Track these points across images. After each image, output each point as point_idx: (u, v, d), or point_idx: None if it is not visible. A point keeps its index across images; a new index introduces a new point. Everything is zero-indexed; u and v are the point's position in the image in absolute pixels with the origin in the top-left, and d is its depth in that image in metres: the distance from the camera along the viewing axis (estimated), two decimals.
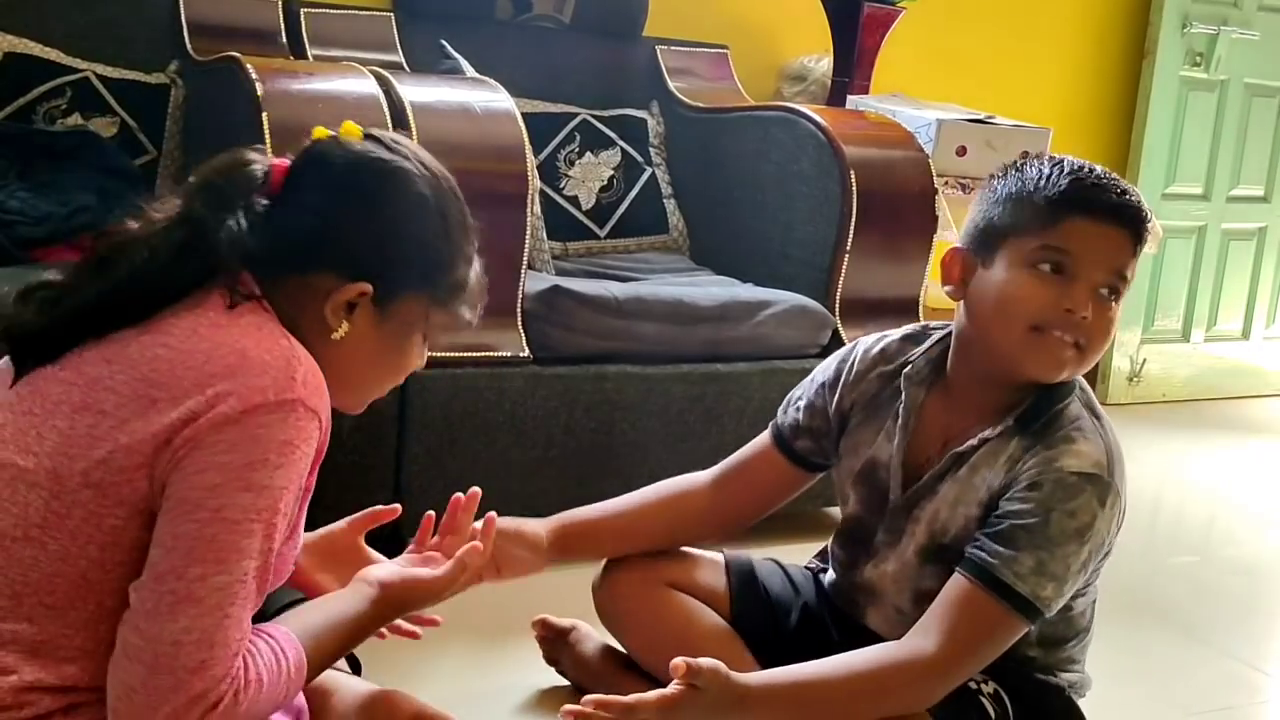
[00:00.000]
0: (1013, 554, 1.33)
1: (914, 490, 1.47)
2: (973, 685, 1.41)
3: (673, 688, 1.28)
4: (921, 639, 1.34)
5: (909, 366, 1.50)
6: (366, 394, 1.24)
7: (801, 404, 1.60)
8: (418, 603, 1.27)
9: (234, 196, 1.13)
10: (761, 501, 1.65)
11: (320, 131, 1.19)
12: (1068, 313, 1.36)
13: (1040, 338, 1.37)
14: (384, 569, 1.28)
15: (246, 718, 1.04)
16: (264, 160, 1.17)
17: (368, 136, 1.20)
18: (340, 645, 1.19)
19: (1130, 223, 1.37)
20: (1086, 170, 1.40)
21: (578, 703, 1.30)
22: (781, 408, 1.64)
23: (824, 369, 1.60)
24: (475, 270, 1.24)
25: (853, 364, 1.56)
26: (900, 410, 1.49)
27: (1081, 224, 1.36)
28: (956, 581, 1.35)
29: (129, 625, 1.03)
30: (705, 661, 1.28)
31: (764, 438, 1.63)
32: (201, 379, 1.03)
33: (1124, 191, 1.39)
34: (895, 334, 1.57)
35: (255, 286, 1.12)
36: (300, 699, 1.19)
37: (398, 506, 1.46)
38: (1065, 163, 1.41)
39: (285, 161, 1.18)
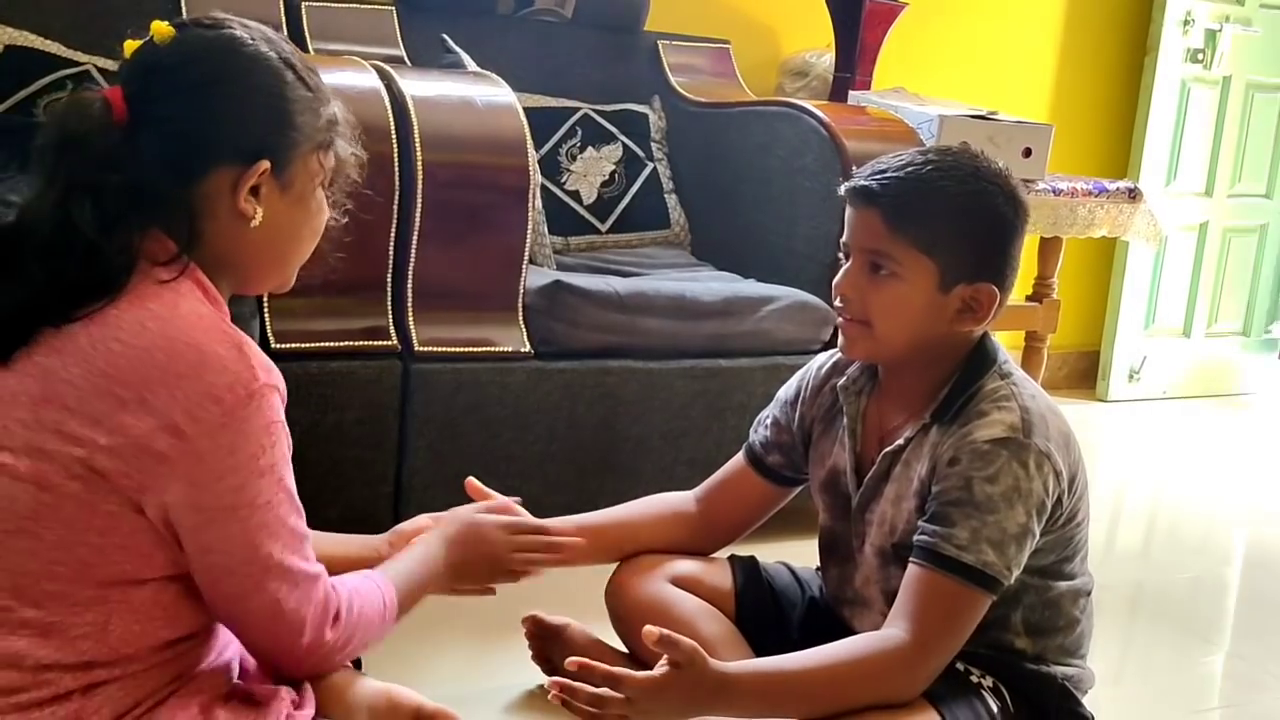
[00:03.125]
0: (949, 530, 1.36)
1: (861, 495, 1.51)
2: (973, 679, 1.42)
3: (657, 670, 1.28)
4: (892, 628, 1.37)
5: (844, 378, 1.56)
6: (295, 265, 1.26)
7: (769, 422, 1.67)
8: (487, 543, 1.50)
9: (92, 154, 1.10)
10: (743, 518, 1.70)
11: (131, 45, 1.16)
12: (837, 290, 1.46)
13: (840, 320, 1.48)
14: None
15: (358, 638, 1.24)
16: (95, 97, 1.13)
17: (180, 26, 1.16)
18: (420, 591, 1.39)
19: (865, 199, 1.42)
20: (871, 162, 1.47)
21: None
22: (753, 427, 1.69)
23: (787, 387, 1.67)
24: (337, 102, 1.23)
25: (809, 380, 1.63)
26: (845, 420, 1.54)
27: (848, 212, 1.46)
28: (911, 569, 1.39)
29: (223, 614, 1.17)
30: (684, 640, 1.29)
31: (739, 458, 1.69)
32: (168, 379, 1.06)
33: (876, 172, 1.43)
34: None
35: (169, 242, 1.12)
36: (307, 686, 1.23)
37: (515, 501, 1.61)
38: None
39: (116, 89, 1.14)
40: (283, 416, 1.14)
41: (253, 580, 1.13)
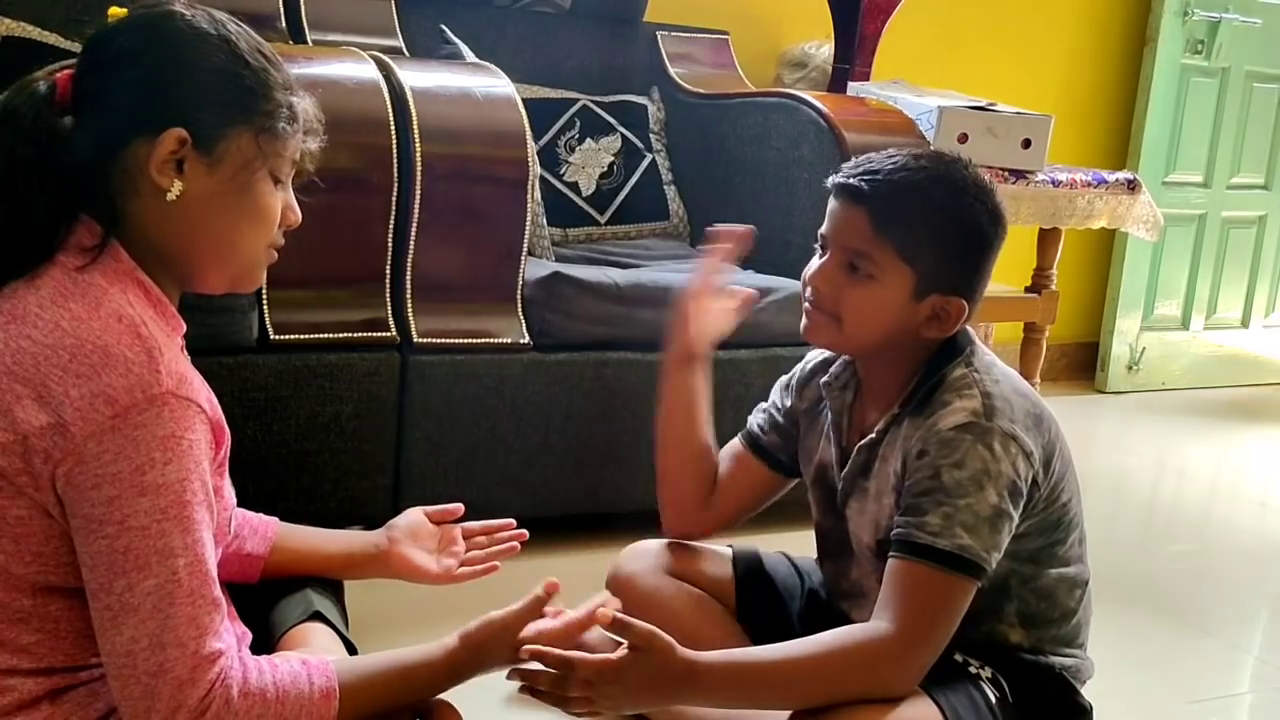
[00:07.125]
0: (921, 519, 1.36)
1: (841, 489, 1.52)
2: (971, 669, 1.42)
3: (615, 653, 1.27)
4: (878, 621, 1.36)
5: (828, 374, 1.57)
6: (241, 257, 1.16)
7: (766, 407, 1.68)
8: (496, 645, 1.22)
9: (20, 131, 1.08)
10: (739, 502, 1.69)
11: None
12: (809, 281, 1.48)
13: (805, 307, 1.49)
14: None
15: None
16: (42, 77, 1.12)
17: (132, 8, 1.16)
18: (392, 689, 1.15)
19: (852, 197, 1.42)
20: (861, 159, 1.47)
21: None
22: (753, 413, 1.70)
23: (786, 376, 1.68)
24: (302, 99, 1.18)
25: (800, 373, 1.65)
26: (830, 415, 1.55)
27: (832, 205, 1.46)
28: (890, 563, 1.38)
29: (98, 645, 1.03)
30: (639, 624, 1.27)
31: (736, 442, 1.69)
32: (67, 377, 1.01)
33: (868, 171, 1.43)
34: None
35: (97, 228, 1.08)
36: (242, 628, 1.21)
37: (460, 506, 1.52)
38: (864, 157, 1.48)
39: (68, 71, 1.13)
40: (196, 437, 1.04)
41: (109, 614, 1.01)
